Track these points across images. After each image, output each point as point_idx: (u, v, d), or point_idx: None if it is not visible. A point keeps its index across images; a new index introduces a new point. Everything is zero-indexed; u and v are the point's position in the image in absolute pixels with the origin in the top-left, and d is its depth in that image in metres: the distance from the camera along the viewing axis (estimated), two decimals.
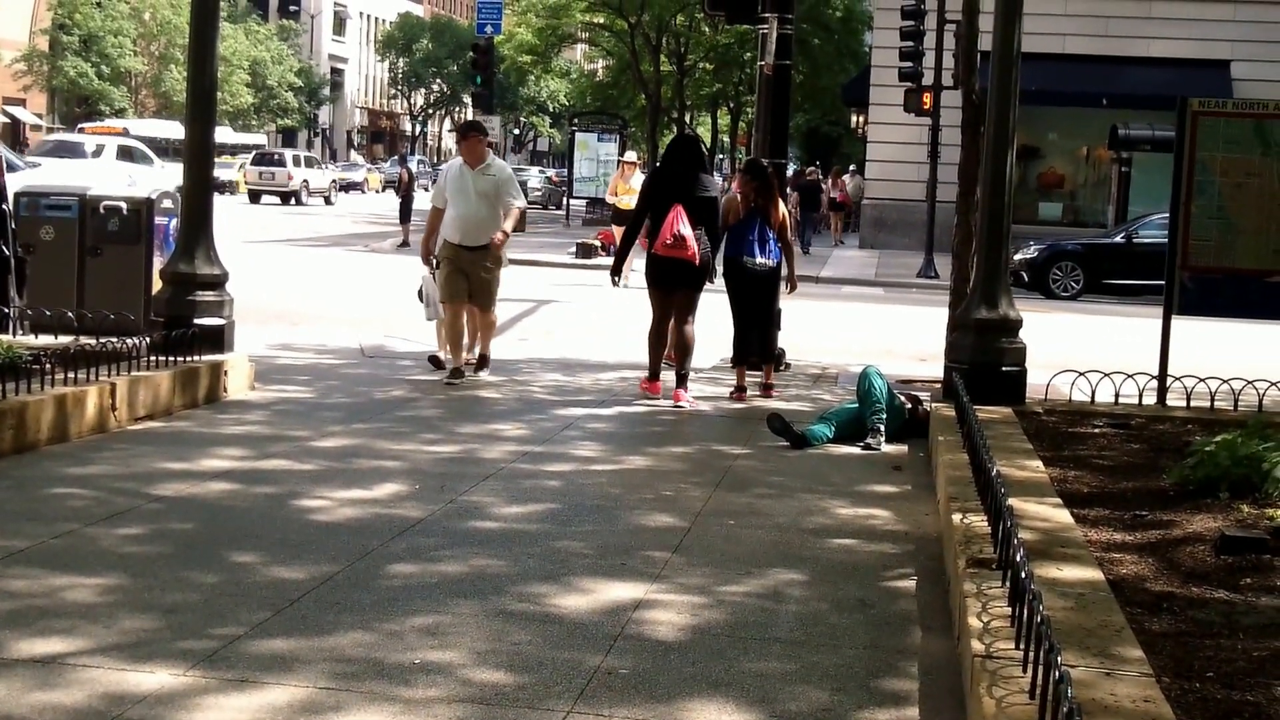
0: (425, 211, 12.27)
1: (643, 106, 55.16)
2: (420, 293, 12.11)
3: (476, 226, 11.18)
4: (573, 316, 17.76)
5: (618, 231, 21.29)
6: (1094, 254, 25.35)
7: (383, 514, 6.83)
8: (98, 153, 38.07)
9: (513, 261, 27.65)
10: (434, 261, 11.57)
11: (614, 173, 25.97)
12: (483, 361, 11.56)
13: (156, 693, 4.40)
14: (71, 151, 38.07)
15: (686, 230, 10.46)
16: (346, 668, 4.68)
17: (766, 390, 11.26)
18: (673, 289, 10.76)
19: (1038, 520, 5.93)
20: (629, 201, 19.80)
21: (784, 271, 11.39)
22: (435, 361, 11.80)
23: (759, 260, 10.97)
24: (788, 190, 36.12)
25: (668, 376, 11.10)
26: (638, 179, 20.72)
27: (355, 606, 5.33)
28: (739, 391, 11.04)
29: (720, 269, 11.09)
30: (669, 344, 11.00)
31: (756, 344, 11.20)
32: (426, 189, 53.56)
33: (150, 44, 65.82)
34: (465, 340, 11.61)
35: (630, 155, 24.12)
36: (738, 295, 11.09)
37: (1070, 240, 26.97)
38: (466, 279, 11.20)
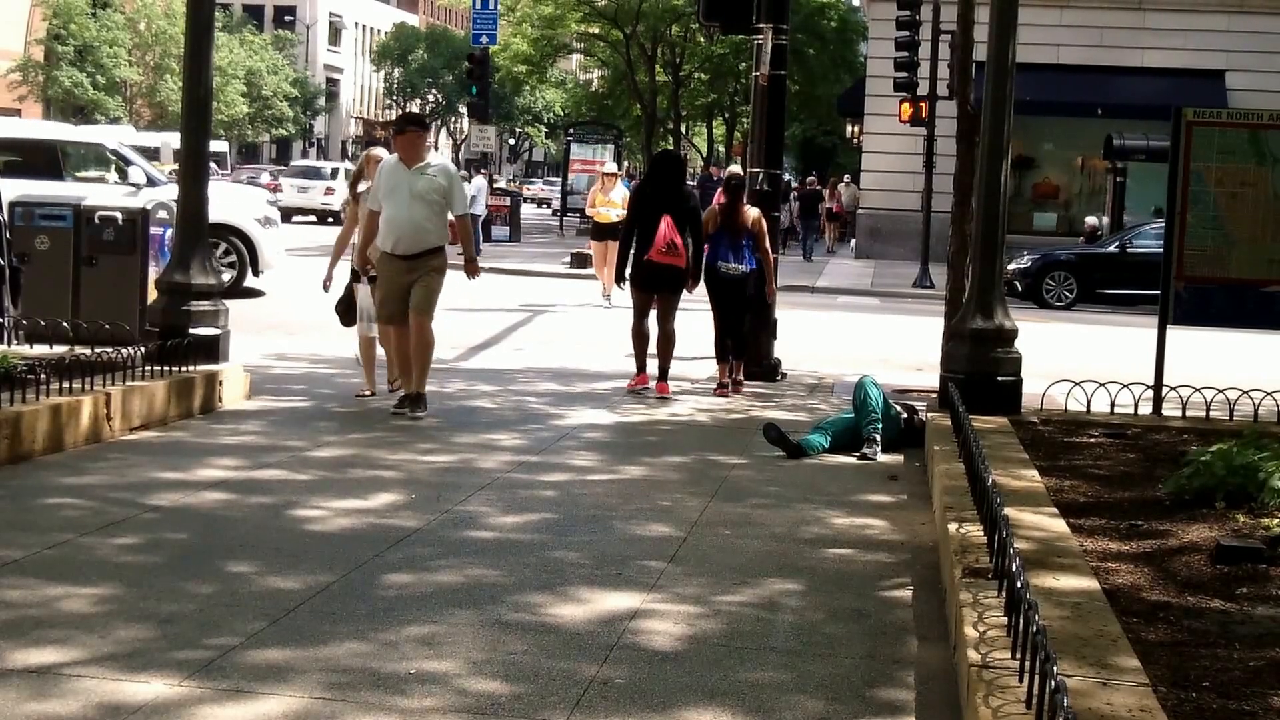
0: None
1: (638, 116, 55.24)
2: (340, 304, 10.96)
3: (413, 233, 9.89)
4: (568, 326, 17.75)
5: (594, 245, 20.42)
6: (1087, 263, 25.38)
7: (378, 524, 6.83)
8: (334, 174, 40.13)
9: (508, 271, 27.83)
10: (369, 272, 10.40)
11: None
12: (417, 401, 9.96)
13: (152, 703, 4.40)
14: (312, 175, 39.95)
15: (678, 238, 11.38)
16: (342, 678, 4.67)
17: (736, 385, 11.93)
18: (656, 291, 11.66)
19: (1034, 530, 5.93)
20: (607, 213, 19.45)
21: (767, 280, 12.20)
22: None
23: (731, 266, 11.85)
24: (790, 199, 36.49)
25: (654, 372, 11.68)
26: (617, 192, 19.82)
27: (351, 616, 5.33)
28: (721, 388, 11.88)
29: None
30: (654, 340, 11.80)
31: (732, 344, 12.02)
32: None
33: (145, 54, 65.88)
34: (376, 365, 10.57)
35: (610, 166, 22.71)
36: (716, 299, 11.99)
37: (1064, 250, 27.02)
38: (404, 293, 9.96)
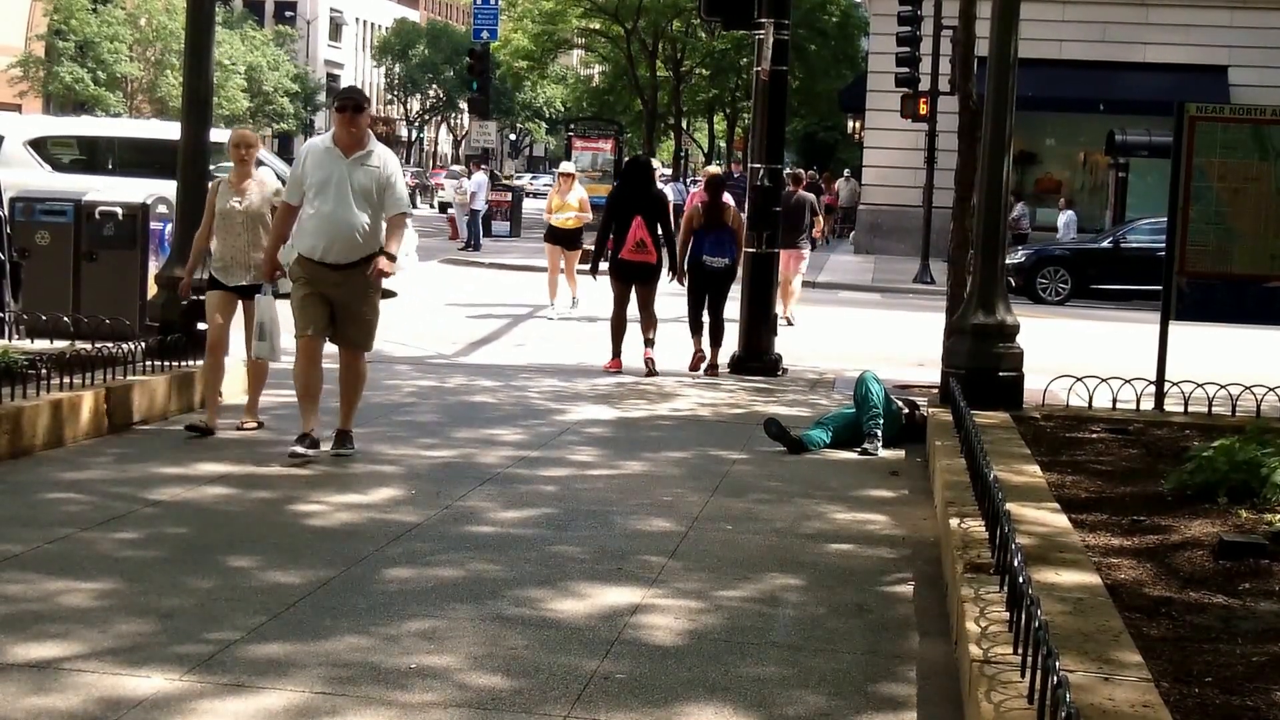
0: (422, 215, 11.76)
1: (639, 112, 55.18)
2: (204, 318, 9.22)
3: (349, 237, 8.08)
4: (569, 322, 17.73)
5: (550, 251, 18.95)
6: (1082, 259, 25.36)
7: (379, 518, 6.82)
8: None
9: (509, 267, 27.72)
10: (278, 281, 8.72)
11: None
12: (343, 438, 8.32)
13: (152, 697, 4.39)
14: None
15: (647, 237, 12.56)
16: (342, 672, 4.67)
17: (712, 369, 12.84)
18: (633, 284, 12.81)
19: (1035, 525, 5.92)
20: (563, 218, 18.68)
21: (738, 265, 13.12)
22: (198, 429, 8.69)
23: (716, 260, 12.87)
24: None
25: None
26: (574, 194, 18.85)
27: (351, 611, 5.32)
28: (697, 355, 12.93)
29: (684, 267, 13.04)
30: (641, 324, 12.82)
31: (710, 328, 12.94)
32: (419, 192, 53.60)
33: (146, 49, 65.78)
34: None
35: (567, 167, 20.61)
36: (697, 289, 12.98)
37: (1058, 245, 26.98)
38: (330, 307, 8.29)
